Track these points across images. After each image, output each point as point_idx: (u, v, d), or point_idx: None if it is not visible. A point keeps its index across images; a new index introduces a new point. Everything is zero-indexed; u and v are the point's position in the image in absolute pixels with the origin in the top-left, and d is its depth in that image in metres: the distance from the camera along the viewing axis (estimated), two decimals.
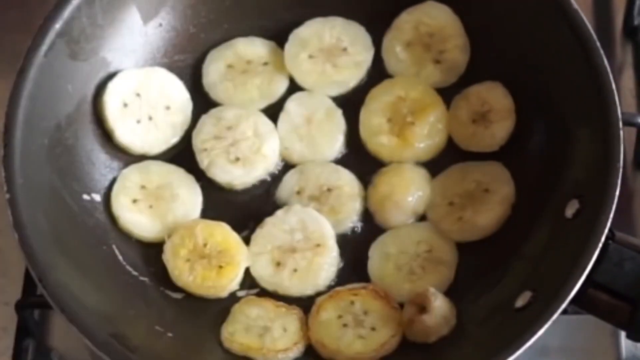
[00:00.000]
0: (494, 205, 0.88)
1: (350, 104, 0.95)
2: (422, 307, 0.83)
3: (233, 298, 0.88)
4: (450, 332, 0.84)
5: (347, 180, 0.92)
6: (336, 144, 0.94)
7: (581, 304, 0.78)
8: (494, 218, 0.88)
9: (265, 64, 0.97)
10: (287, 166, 0.94)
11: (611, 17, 1.07)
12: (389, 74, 0.96)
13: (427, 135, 0.92)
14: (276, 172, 0.93)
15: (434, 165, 0.92)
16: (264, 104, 0.96)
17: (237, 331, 0.85)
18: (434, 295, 0.83)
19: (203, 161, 0.92)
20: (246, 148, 0.92)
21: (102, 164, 0.92)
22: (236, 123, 0.93)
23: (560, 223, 0.83)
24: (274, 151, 0.93)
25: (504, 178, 0.89)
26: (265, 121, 0.94)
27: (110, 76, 0.93)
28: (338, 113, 0.95)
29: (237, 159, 0.92)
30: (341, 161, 0.94)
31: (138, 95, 0.93)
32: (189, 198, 0.91)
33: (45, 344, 0.96)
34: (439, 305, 0.83)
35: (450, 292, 0.86)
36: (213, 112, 0.94)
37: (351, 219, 0.91)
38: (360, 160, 0.93)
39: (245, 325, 0.85)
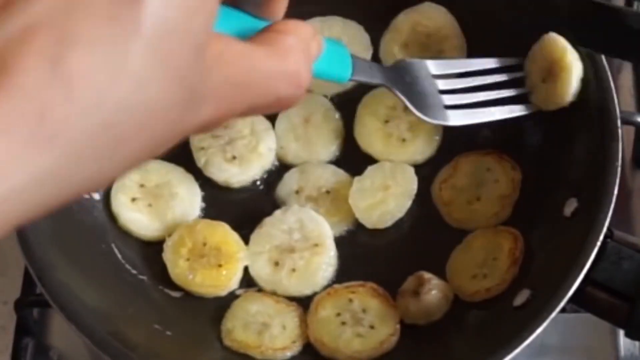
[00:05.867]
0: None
1: (350, 104, 0.95)
2: (416, 292, 0.84)
3: (232, 297, 0.88)
4: (448, 332, 0.84)
5: (346, 184, 0.92)
6: (331, 147, 0.94)
7: (579, 302, 0.78)
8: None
9: None
10: (284, 165, 0.94)
11: None
12: None
13: (423, 146, 0.92)
14: (273, 170, 0.94)
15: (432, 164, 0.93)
16: None
17: (236, 328, 0.85)
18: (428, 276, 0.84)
19: (200, 160, 0.92)
20: (242, 146, 0.92)
21: None
22: (233, 122, 0.93)
23: (559, 221, 0.83)
24: (270, 150, 0.93)
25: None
26: (262, 120, 0.94)
27: None
28: (335, 115, 0.95)
29: (234, 158, 0.92)
30: (339, 162, 0.94)
31: None
32: (187, 197, 0.91)
33: (45, 343, 0.96)
34: (436, 283, 0.84)
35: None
36: None
37: (346, 223, 0.91)
38: (358, 161, 0.93)
39: (244, 322, 0.85)
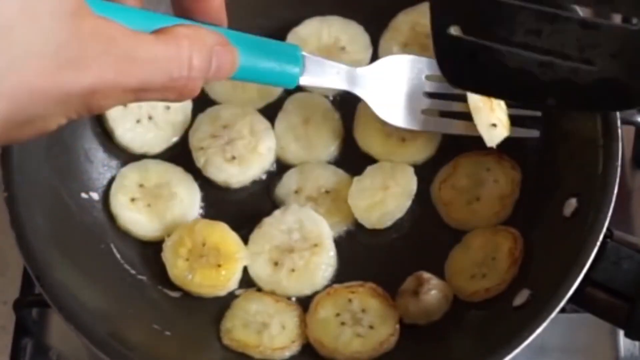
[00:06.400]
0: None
1: (350, 104, 0.95)
2: (416, 292, 0.83)
3: (231, 297, 0.88)
4: (447, 332, 0.84)
5: (346, 184, 0.92)
6: (331, 147, 0.94)
7: (579, 302, 0.78)
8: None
9: None
10: (283, 165, 0.94)
11: None
12: None
13: (423, 146, 0.92)
14: (272, 170, 0.94)
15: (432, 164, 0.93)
16: (263, 103, 0.96)
17: (235, 327, 0.85)
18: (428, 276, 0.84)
19: (199, 160, 0.92)
20: (242, 146, 0.92)
21: (100, 163, 0.92)
22: (232, 122, 0.93)
23: (559, 221, 0.83)
24: (269, 150, 0.93)
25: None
26: (261, 120, 0.94)
27: None
28: (335, 116, 0.95)
29: (233, 158, 0.92)
30: (339, 162, 0.94)
31: None
32: (187, 197, 0.91)
33: (44, 343, 0.96)
34: (436, 283, 0.84)
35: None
36: (209, 110, 0.94)
37: (346, 223, 0.91)
38: (357, 161, 0.93)
39: (244, 321, 0.85)
